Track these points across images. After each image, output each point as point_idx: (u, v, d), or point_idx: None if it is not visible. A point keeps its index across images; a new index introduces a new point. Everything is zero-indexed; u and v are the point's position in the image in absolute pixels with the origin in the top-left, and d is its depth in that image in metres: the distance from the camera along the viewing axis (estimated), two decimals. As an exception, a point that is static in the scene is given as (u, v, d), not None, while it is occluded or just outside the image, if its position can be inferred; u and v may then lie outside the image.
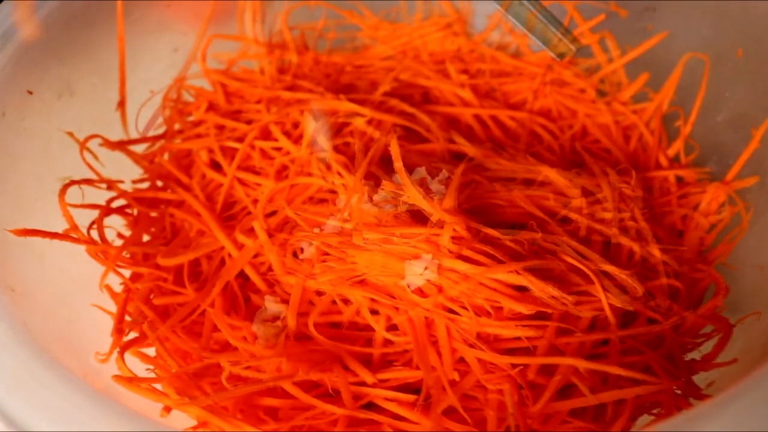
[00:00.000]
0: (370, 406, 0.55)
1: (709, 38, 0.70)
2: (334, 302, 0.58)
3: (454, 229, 0.57)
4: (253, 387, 0.52)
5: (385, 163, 0.66)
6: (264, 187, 0.66)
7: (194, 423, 0.53)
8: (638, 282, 0.58)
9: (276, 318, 0.58)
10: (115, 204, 0.67)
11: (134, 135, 0.71)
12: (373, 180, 0.62)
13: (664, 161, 0.73)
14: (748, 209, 0.64)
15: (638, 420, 0.54)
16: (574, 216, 0.64)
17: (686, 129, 0.72)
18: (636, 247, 0.62)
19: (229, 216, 0.67)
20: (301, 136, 0.68)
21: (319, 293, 0.59)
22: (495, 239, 0.58)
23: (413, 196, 0.57)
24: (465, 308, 0.55)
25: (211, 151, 0.69)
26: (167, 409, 0.53)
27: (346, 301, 0.58)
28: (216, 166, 0.70)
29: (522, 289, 0.56)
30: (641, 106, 0.77)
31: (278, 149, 0.68)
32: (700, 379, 0.57)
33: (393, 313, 0.56)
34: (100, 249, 0.62)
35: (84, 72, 0.67)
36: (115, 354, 0.57)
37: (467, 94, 0.78)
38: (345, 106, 0.70)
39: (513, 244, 0.58)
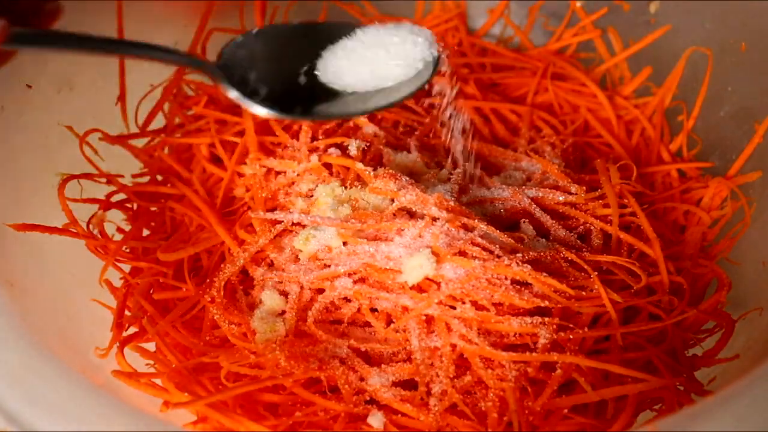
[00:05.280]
0: (371, 403, 0.55)
1: (712, 32, 0.70)
2: (333, 301, 0.58)
3: (451, 225, 0.57)
4: (252, 386, 0.52)
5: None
6: (263, 182, 0.66)
7: (194, 418, 0.53)
8: (641, 271, 0.58)
9: (275, 313, 0.58)
10: (115, 198, 0.67)
11: (134, 129, 0.71)
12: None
13: (666, 156, 0.73)
14: (750, 204, 0.64)
15: (640, 416, 0.54)
16: (573, 213, 0.64)
17: (689, 123, 0.72)
18: (636, 243, 0.62)
19: (230, 211, 0.67)
20: (299, 130, 0.67)
21: (319, 290, 0.58)
22: (493, 234, 0.58)
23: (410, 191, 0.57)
24: (464, 304, 0.55)
25: (211, 145, 0.69)
26: (167, 404, 0.53)
27: (345, 298, 0.58)
28: (216, 161, 0.70)
29: (521, 285, 0.56)
30: (644, 101, 0.77)
31: (278, 144, 0.68)
32: (702, 374, 0.57)
33: (392, 310, 0.56)
34: (99, 243, 0.62)
35: (83, 66, 0.67)
36: (115, 349, 0.57)
37: (471, 89, 0.78)
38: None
39: (511, 240, 0.58)
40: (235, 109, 0.71)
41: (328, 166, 0.64)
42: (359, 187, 0.62)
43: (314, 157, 0.64)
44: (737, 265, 0.63)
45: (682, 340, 0.59)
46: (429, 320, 0.55)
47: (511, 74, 0.81)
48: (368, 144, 0.67)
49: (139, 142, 0.71)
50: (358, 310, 0.57)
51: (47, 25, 0.45)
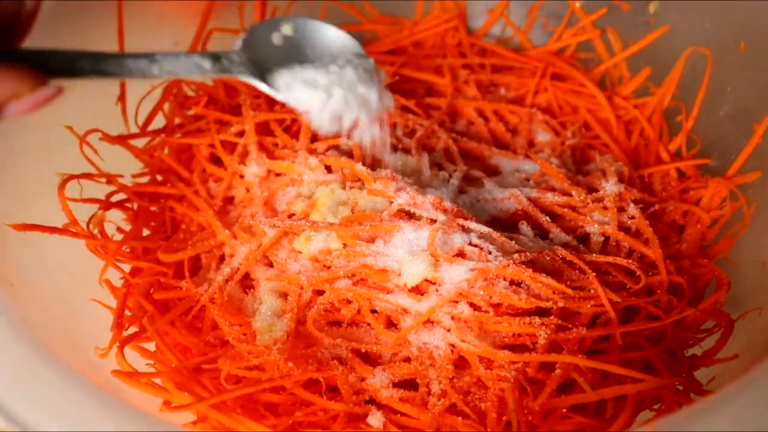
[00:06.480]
0: (370, 403, 0.55)
1: (711, 32, 0.70)
2: (332, 302, 0.58)
3: (449, 227, 0.57)
4: (253, 388, 0.52)
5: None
6: (262, 183, 0.66)
7: (194, 417, 0.53)
8: (641, 271, 0.58)
9: (275, 314, 0.58)
10: (115, 198, 0.67)
11: (134, 129, 0.71)
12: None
13: (665, 156, 0.73)
14: (749, 204, 0.64)
15: (639, 415, 0.54)
16: (571, 215, 0.64)
17: (688, 124, 0.72)
18: (635, 244, 0.62)
19: (229, 211, 0.67)
20: (299, 131, 0.67)
21: (319, 292, 0.58)
22: (492, 236, 0.58)
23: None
24: (463, 304, 0.55)
25: (211, 145, 0.69)
26: (167, 404, 0.53)
27: (345, 299, 0.58)
28: (216, 161, 0.70)
29: (520, 285, 0.56)
30: (643, 101, 0.77)
31: (277, 144, 0.68)
32: (701, 374, 0.57)
33: (392, 311, 0.56)
34: (99, 243, 0.62)
35: (84, 66, 0.67)
36: (115, 349, 0.57)
37: (471, 90, 0.78)
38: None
39: (510, 241, 0.58)
40: (235, 110, 0.71)
41: (327, 167, 0.65)
42: (359, 188, 0.62)
43: (314, 158, 0.64)
44: (736, 265, 0.63)
45: (682, 340, 0.59)
46: (428, 321, 0.55)
47: (510, 74, 0.81)
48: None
49: (139, 142, 0.71)
50: (358, 311, 0.58)
51: (21, 36, 0.43)
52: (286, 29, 0.55)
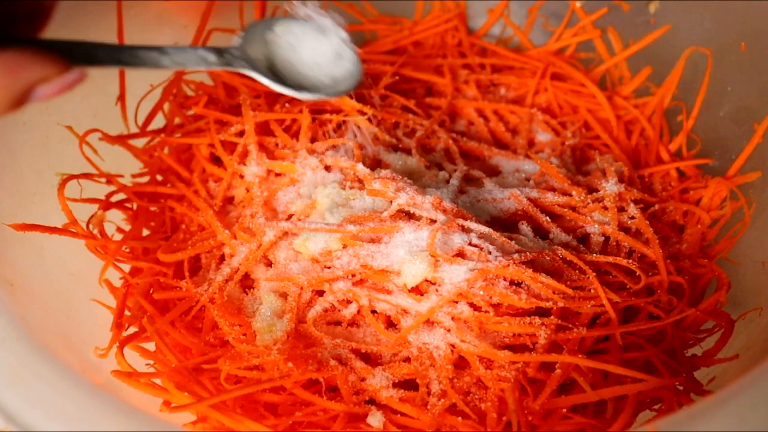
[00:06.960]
0: (370, 403, 0.55)
1: (711, 32, 0.70)
2: (332, 302, 0.58)
3: (449, 227, 0.57)
4: (253, 388, 0.52)
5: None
6: (262, 183, 0.66)
7: (193, 418, 0.53)
8: (641, 271, 0.58)
9: (275, 314, 0.58)
10: (115, 198, 0.67)
11: (134, 129, 0.71)
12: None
13: (665, 156, 0.73)
14: (750, 204, 0.64)
15: (639, 415, 0.54)
16: (571, 215, 0.64)
17: (688, 124, 0.72)
18: (635, 244, 0.62)
19: (229, 211, 0.67)
20: (299, 131, 0.67)
21: (319, 292, 0.58)
22: (492, 236, 0.58)
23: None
24: (463, 304, 0.55)
25: (211, 145, 0.69)
26: (167, 404, 0.53)
27: (345, 299, 0.58)
28: (216, 161, 0.70)
29: (520, 285, 0.56)
30: (643, 101, 0.77)
31: (277, 144, 0.68)
32: (701, 374, 0.57)
33: (392, 311, 0.56)
34: (99, 243, 0.62)
35: (83, 66, 0.67)
36: (115, 349, 0.57)
37: (471, 90, 0.78)
38: (348, 104, 0.69)
39: (510, 241, 0.58)
40: (235, 110, 0.71)
41: (327, 168, 0.65)
42: (358, 188, 0.62)
43: (314, 158, 0.64)
44: (737, 265, 0.63)
45: (682, 340, 0.59)
46: (428, 321, 0.55)
47: (510, 74, 0.81)
48: (368, 145, 0.67)
49: (139, 142, 0.71)
50: (358, 311, 0.58)
51: (40, 27, 0.46)
52: (279, 29, 0.59)
